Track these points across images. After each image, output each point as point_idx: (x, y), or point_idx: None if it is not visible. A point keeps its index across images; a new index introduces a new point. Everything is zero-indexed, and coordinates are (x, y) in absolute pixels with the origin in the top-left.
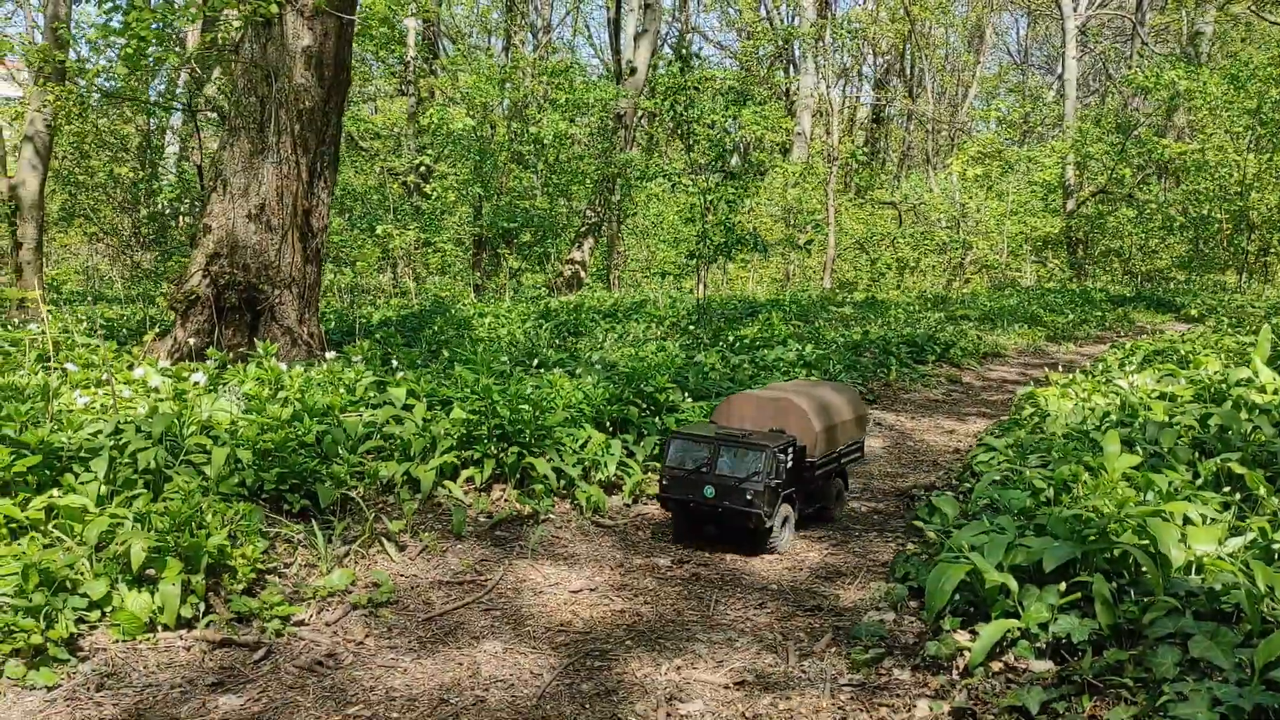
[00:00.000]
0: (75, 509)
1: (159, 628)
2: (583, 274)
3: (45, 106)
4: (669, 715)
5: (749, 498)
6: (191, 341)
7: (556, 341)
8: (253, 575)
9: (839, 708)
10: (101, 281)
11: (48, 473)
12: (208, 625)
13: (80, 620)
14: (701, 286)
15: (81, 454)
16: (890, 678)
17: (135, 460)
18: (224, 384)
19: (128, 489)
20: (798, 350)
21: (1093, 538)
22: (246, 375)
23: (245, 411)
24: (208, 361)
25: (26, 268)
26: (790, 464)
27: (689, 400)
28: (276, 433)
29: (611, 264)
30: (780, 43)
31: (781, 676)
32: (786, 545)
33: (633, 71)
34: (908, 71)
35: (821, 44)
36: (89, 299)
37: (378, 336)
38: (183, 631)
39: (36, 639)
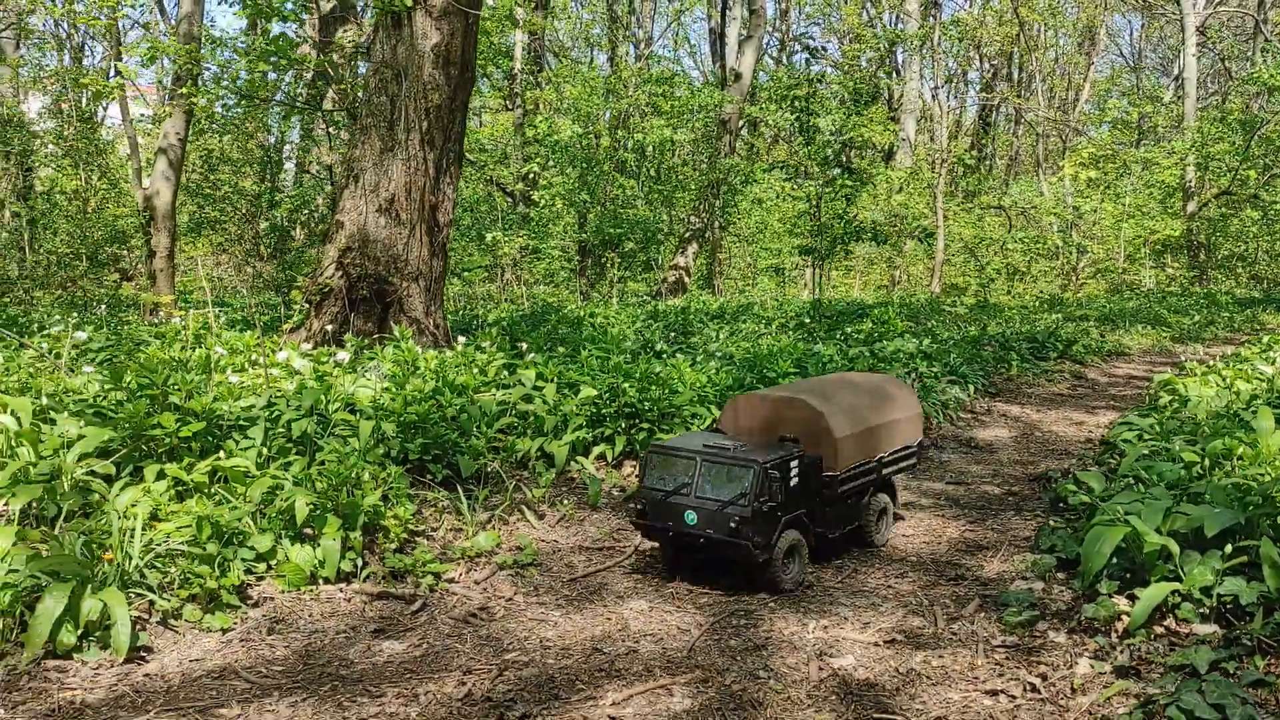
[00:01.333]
0: (238, 471)
1: (320, 580)
2: (686, 280)
3: (179, 106)
4: (821, 668)
5: (734, 525)
6: (328, 329)
7: (670, 337)
8: (404, 535)
9: (995, 665)
10: (225, 291)
11: (210, 439)
12: (366, 579)
13: (248, 571)
14: (815, 283)
15: (240, 423)
16: (1046, 640)
17: (289, 429)
18: (364, 365)
19: (282, 456)
20: (916, 343)
21: (1256, 504)
22: (385, 357)
23: (384, 390)
24: (345, 346)
25: (160, 275)
26: (796, 481)
27: None
28: (421, 405)
29: (714, 269)
30: (884, 47)
31: (931, 637)
32: (794, 581)
33: (737, 78)
34: (1015, 75)
35: (928, 48)
36: (216, 306)
37: (500, 328)
38: (342, 585)
39: (211, 585)
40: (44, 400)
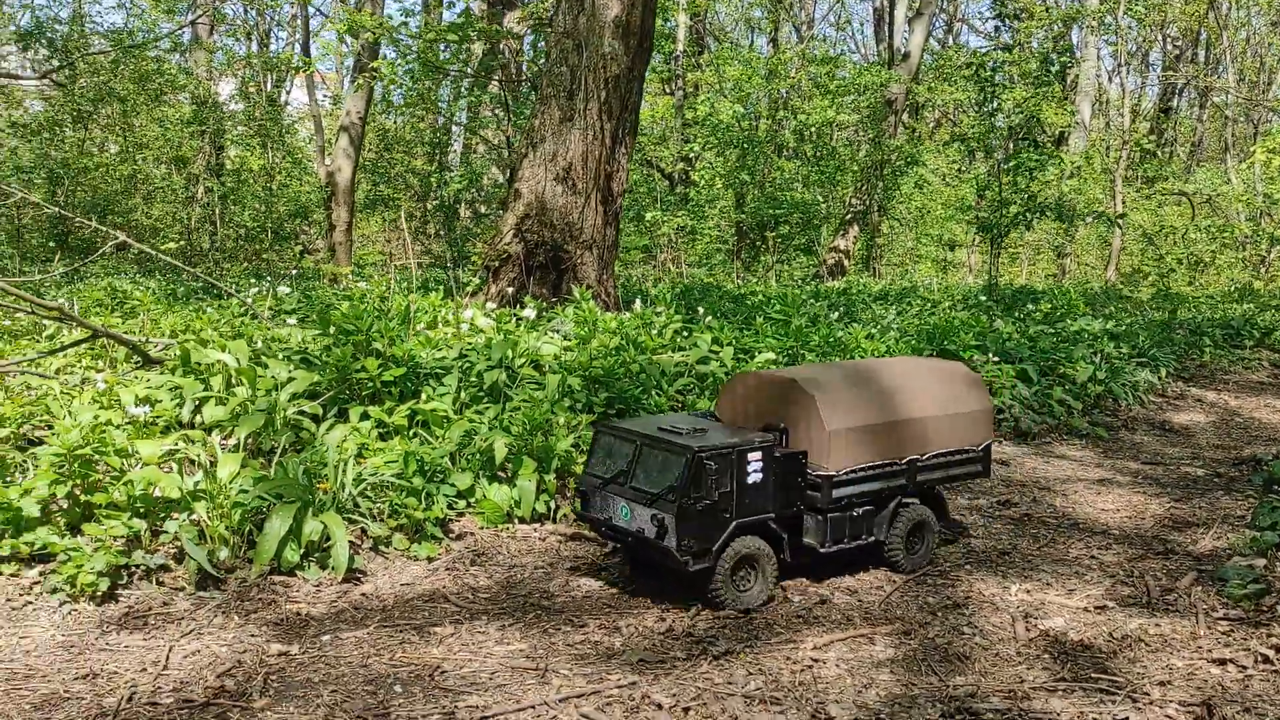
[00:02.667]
0: (437, 414)
1: (515, 519)
2: (846, 263)
3: (368, 79)
4: (1028, 628)
5: (657, 525)
6: (507, 292)
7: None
8: None
9: (1220, 636)
10: (394, 266)
11: (409, 385)
12: (560, 520)
13: (449, 506)
14: (989, 263)
15: (436, 371)
16: (1275, 613)
17: (481, 379)
18: (549, 323)
19: (476, 403)
20: (1101, 324)
21: None
22: (567, 316)
23: (565, 348)
24: (526, 309)
25: (339, 248)
26: (761, 478)
27: (995, 361)
28: (605, 360)
29: (874, 253)
30: (1059, 26)
31: (1145, 606)
32: (750, 602)
33: (905, 57)
34: (1201, 57)
35: (1107, 26)
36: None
37: (674, 294)
38: (536, 524)
39: (417, 516)
40: (258, 345)
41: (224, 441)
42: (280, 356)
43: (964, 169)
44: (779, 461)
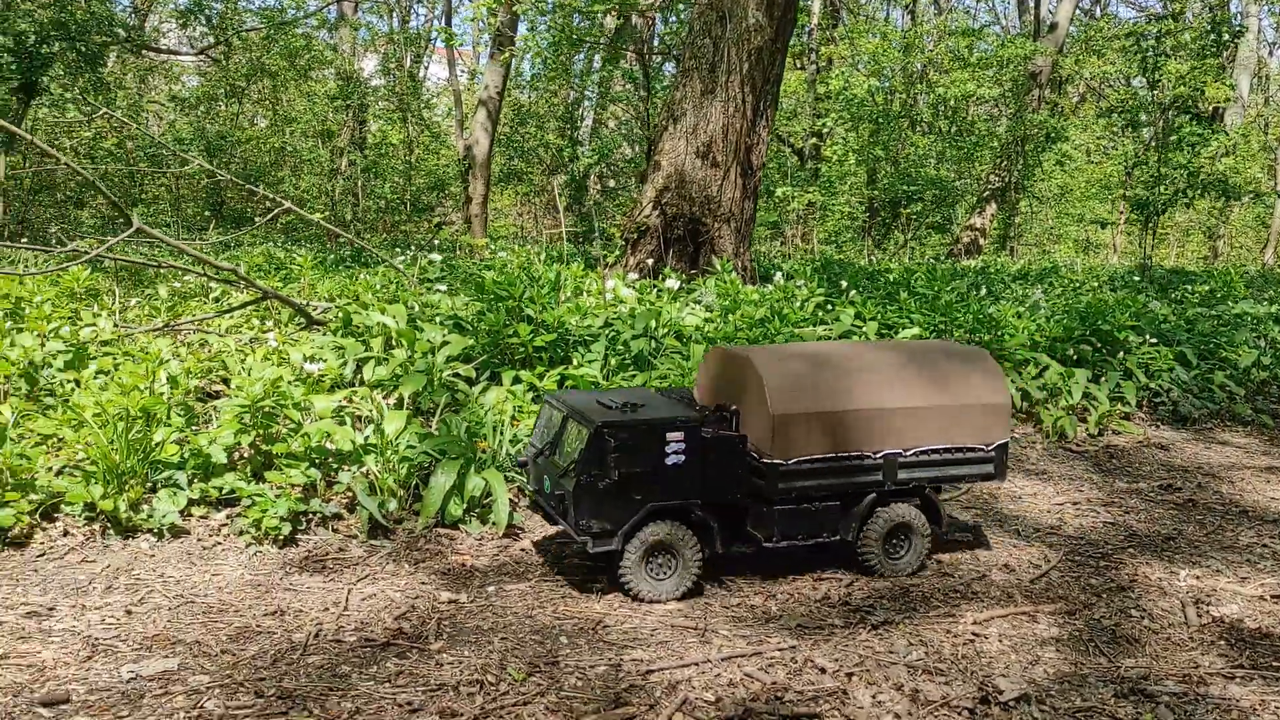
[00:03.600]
0: (587, 380)
1: None
2: (982, 241)
3: (505, 58)
4: (1199, 614)
5: (560, 499)
6: (647, 263)
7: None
8: None
9: None
10: (527, 240)
11: (558, 351)
12: None
13: None
14: (1143, 242)
15: (585, 338)
16: None
17: (627, 347)
18: (694, 294)
19: (622, 370)
20: (1268, 307)
21: None
22: (708, 288)
23: (706, 319)
24: (669, 280)
25: (475, 220)
26: (685, 459)
27: (1152, 343)
28: (751, 331)
29: (1011, 232)
30: None
31: None
32: (660, 594)
33: (1052, 28)
34: None
35: None
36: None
37: (813, 268)
38: None
39: None
40: (414, 309)
41: (386, 400)
42: (436, 321)
43: (1111, 145)
44: (709, 444)
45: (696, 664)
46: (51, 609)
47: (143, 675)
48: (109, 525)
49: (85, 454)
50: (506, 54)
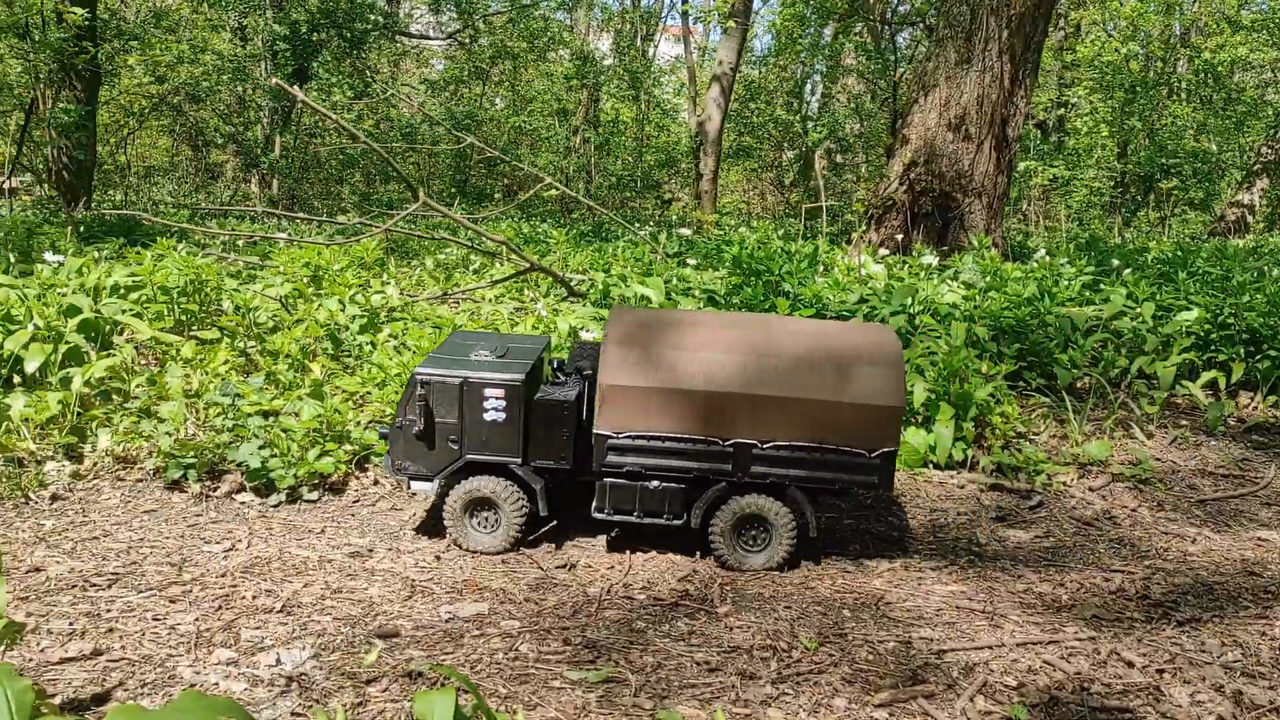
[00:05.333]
0: None
1: (930, 464)
2: (1249, 219)
3: (738, 32)
4: None
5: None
6: (897, 238)
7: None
8: (1011, 433)
9: None
10: (752, 217)
11: None
12: (977, 469)
13: None
14: None
15: (842, 313)
16: None
17: (885, 323)
18: (941, 272)
19: None
20: None
21: None
22: (964, 264)
23: (965, 297)
24: (925, 256)
25: (705, 196)
26: (502, 417)
27: None
28: (1019, 310)
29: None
30: None
31: None
32: (483, 546)
33: None
34: None
35: None
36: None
37: (1076, 246)
38: (952, 471)
39: None
40: (672, 282)
41: None
42: (689, 294)
43: None
44: (532, 406)
45: (990, 648)
46: (371, 550)
47: (460, 616)
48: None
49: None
50: (742, 28)
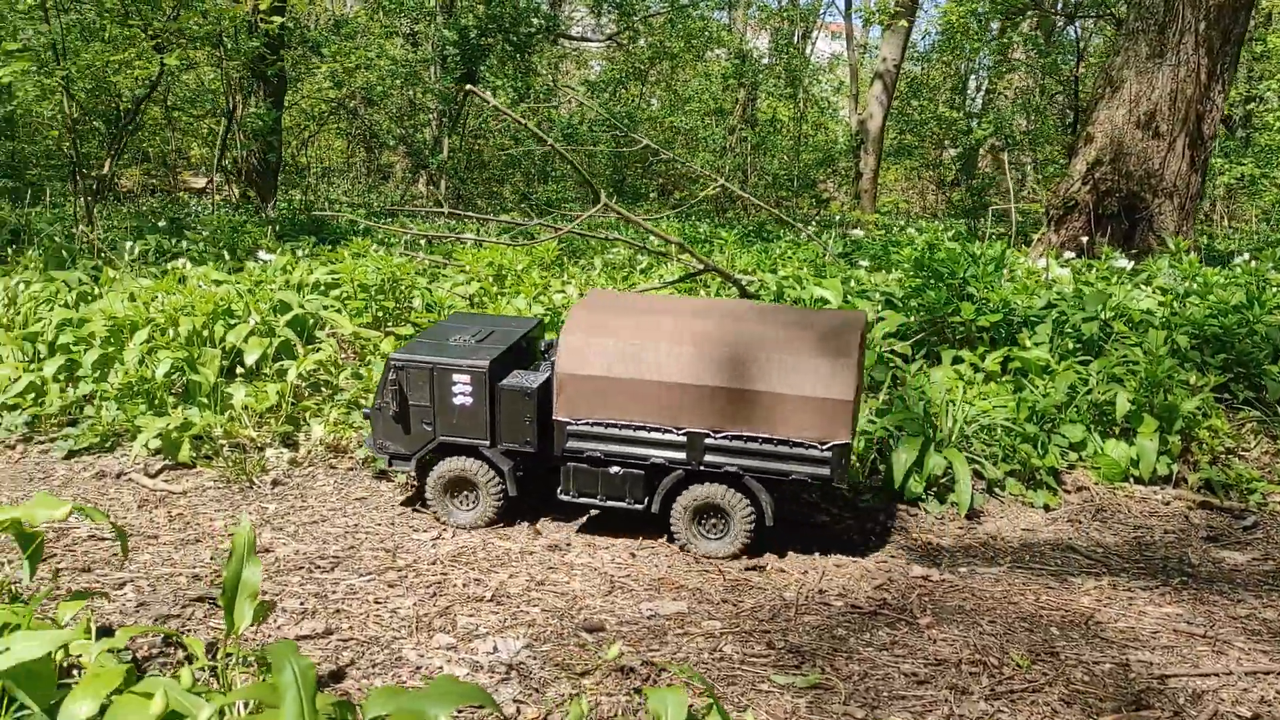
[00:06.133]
0: (1037, 363)
1: (1131, 479)
2: None
3: (903, 28)
4: None
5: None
6: (1081, 240)
7: None
8: (1220, 449)
9: None
10: (912, 217)
11: (1001, 331)
12: (1190, 486)
13: (1062, 457)
14: None
15: (1030, 319)
16: None
17: (1077, 330)
18: (1132, 276)
19: (1070, 355)
20: None
21: None
22: (1162, 268)
23: (1161, 304)
24: (1119, 260)
25: (864, 195)
26: (470, 402)
27: None
28: (1226, 318)
29: None
30: None
31: None
32: (465, 522)
33: None
34: None
35: None
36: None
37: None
38: (1156, 486)
39: (1033, 463)
40: (850, 284)
41: None
42: (864, 296)
43: None
44: (499, 392)
45: (1216, 675)
46: (568, 544)
47: (660, 614)
48: None
49: None
50: (907, 24)
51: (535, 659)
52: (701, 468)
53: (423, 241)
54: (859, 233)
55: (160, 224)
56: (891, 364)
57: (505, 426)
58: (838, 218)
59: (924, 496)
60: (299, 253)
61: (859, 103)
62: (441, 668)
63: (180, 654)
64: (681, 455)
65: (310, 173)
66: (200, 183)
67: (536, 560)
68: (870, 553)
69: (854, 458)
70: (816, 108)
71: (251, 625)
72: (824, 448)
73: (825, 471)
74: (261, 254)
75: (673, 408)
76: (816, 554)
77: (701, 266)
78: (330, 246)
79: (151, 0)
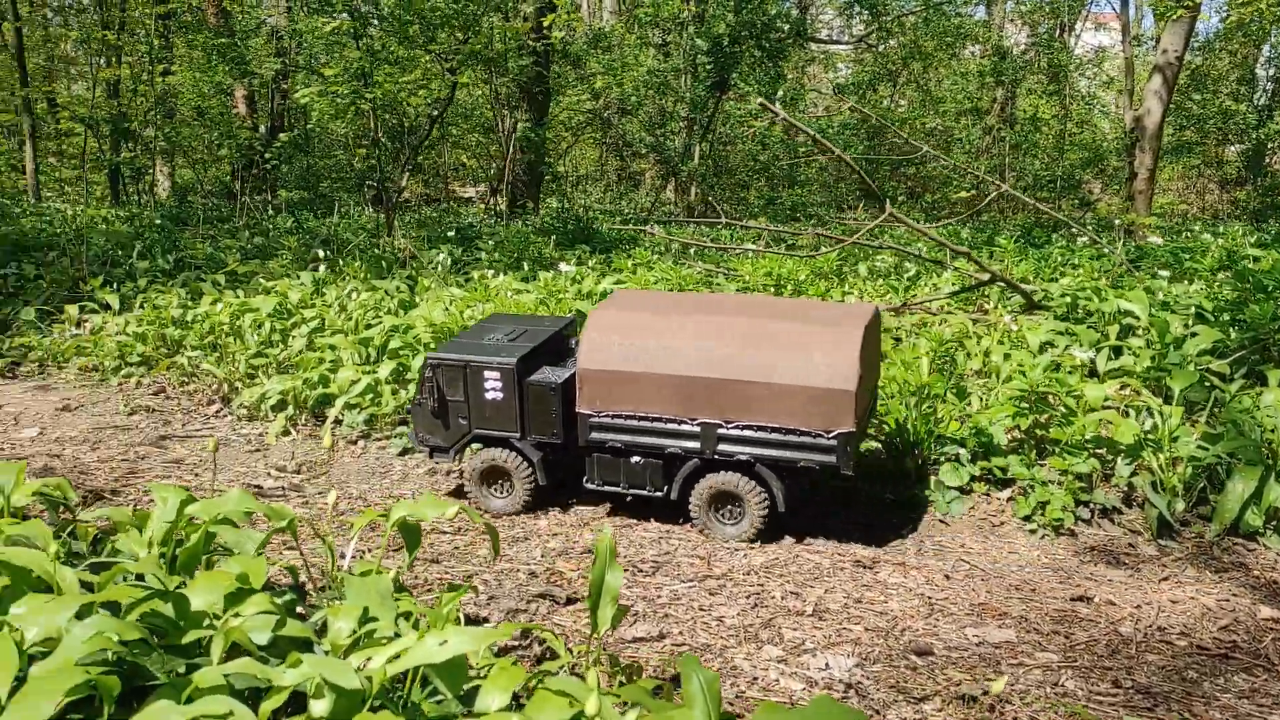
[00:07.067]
0: None
1: None
2: None
3: (1187, 17)
4: None
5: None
6: None
7: None
8: None
9: None
10: (1184, 219)
11: None
12: None
13: None
14: None
15: None
16: None
17: None
18: None
19: None
20: None
21: None
22: None
23: None
24: None
25: (1139, 196)
26: (500, 397)
27: None
28: None
29: None
30: None
31: None
32: (498, 509)
33: None
34: None
35: None
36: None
37: None
38: None
39: None
40: (1158, 296)
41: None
42: (1180, 309)
43: None
44: (526, 387)
45: None
46: (875, 562)
47: (988, 641)
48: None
49: (884, 424)
50: (1191, 14)
51: (868, 679)
52: (716, 456)
53: (692, 250)
54: (1157, 240)
55: (449, 234)
56: (1209, 384)
57: (534, 420)
58: (1117, 221)
59: (1263, 531)
60: (587, 263)
61: (1133, 98)
62: (777, 680)
63: (536, 648)
64: (696, 445)
65: (566, 181)
66: (468, 192)
67: (848, 577)
68: (1208, 590)
69: (1178, 483)
70: (1082, 104)
71: (610, 628)
72: (829, 436)
73: (831, 459)
74: (562, 265)
75: (686, 400)
76: (1145, 587)
77: (987, 277)
78: (604, 255)
79: (447, 25)
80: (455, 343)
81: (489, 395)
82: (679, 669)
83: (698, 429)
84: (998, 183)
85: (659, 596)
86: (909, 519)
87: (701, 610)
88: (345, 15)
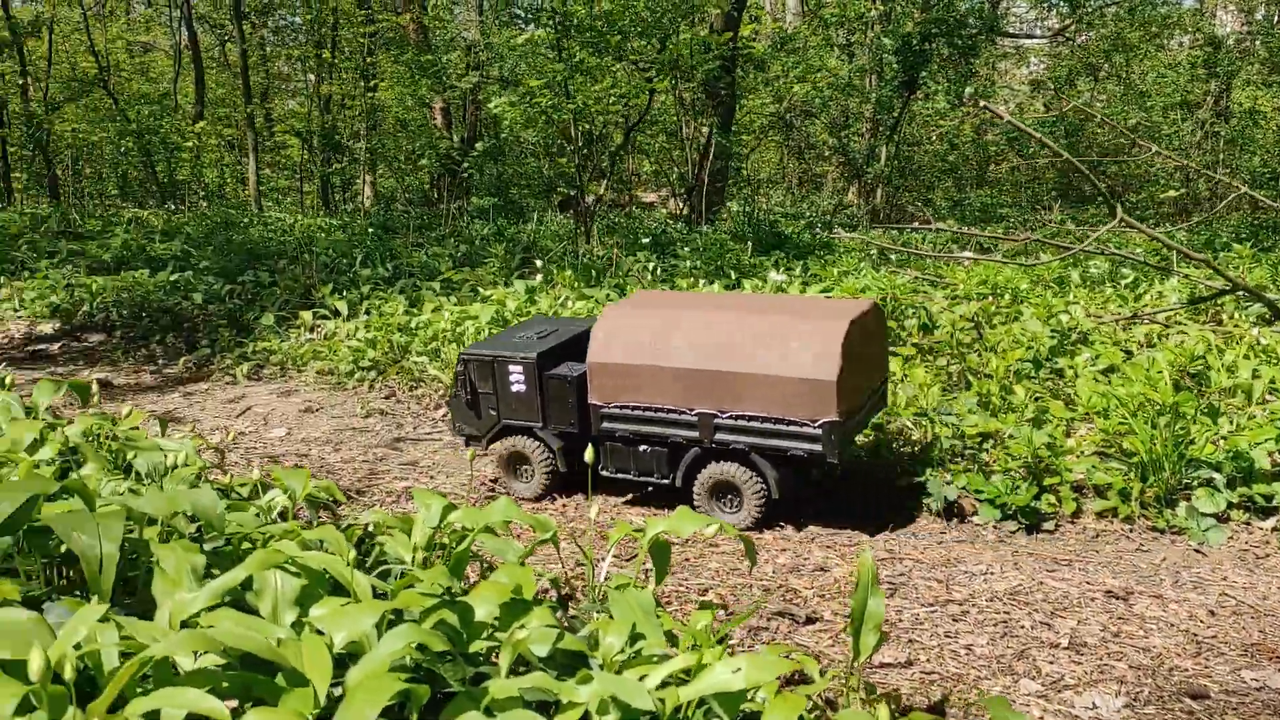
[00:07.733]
0: None
1: None
2: None
3: None
4: None
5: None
6: None
7: None
8: None
9: None
10: None
11: None
12: None
13: None
14: None
15: None
16: None
17: None
18: None
19: None
20: None
21: None
22: None
23: None
24: None
25: None
26: (524, 389)
27: None
28: None
29: None
30: None
31: None
32: (523, 493)
33: None
34: None
35: None
36: None
37: None
38: None
39: None
40: None
41: None
42: None
43: None
44: (545, 380)
45: None
46: (1129, 592)
47: (1270, 686)
48: (1135, 515)
49: (1123, 445)
50: None
51: None
52: (714, 445)
53: (892, 256)
54: None
55: (644, 240)
56: None
57: (553, 410)
58: None
59: None
60: (793, 270)
61: None
62: (1041, 718)
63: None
64: (695, 434)
65: (749, 185)
66: (650, 197)
67: (1100, 608)
68: None
69: None
70: None
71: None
72: (814, 425)
73: (818, 447)
74: (772, 274)
75: (685, 391)
76: None
77: (1229, 285)
78: (800, 261)
79: (647, 34)
80: (489, 340)
81: (514, 388)
82: (989, 712)
83: (695, 418)
84: (1236, 184)
85: (900, 620)
86: (1160, 547)
87: (948, 637)
88: (543, 28)
